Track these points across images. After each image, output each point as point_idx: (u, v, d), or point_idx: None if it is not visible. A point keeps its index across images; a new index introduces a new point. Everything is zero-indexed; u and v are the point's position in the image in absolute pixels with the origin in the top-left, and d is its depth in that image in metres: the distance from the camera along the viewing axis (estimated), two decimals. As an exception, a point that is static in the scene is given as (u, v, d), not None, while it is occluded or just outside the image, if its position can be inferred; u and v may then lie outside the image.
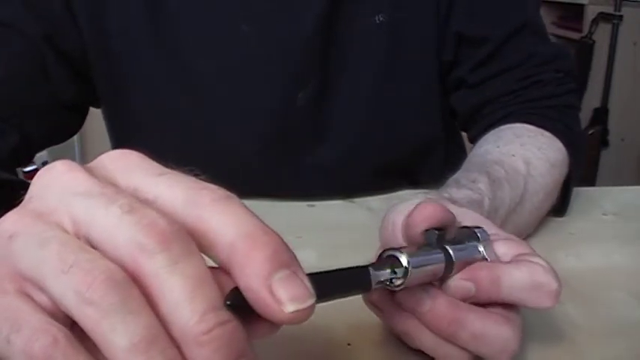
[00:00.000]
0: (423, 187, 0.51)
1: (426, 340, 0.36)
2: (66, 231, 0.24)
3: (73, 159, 0.26)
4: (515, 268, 0.35)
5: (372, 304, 0.37)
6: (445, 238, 0.35)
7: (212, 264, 0.24)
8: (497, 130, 0.63)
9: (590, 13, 2.39)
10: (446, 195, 0.45)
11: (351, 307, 0.34)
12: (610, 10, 2.36)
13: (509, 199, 0.50)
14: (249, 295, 0.23)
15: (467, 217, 0.39)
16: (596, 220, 0.61)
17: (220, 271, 0.24)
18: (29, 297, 0.24)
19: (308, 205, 0.63)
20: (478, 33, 0.68)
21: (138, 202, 0.24)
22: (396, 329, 0.37)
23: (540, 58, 0.68)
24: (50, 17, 0.66)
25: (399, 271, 0.32)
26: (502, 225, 0.48)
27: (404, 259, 0.32)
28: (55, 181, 0.26)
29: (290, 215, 0.60)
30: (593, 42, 2.38)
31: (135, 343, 0.22)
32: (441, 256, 0.34)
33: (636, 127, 2.41)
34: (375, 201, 0.63)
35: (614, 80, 2.40)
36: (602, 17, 2.37)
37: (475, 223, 0.38)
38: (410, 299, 0.35)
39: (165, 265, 0.22)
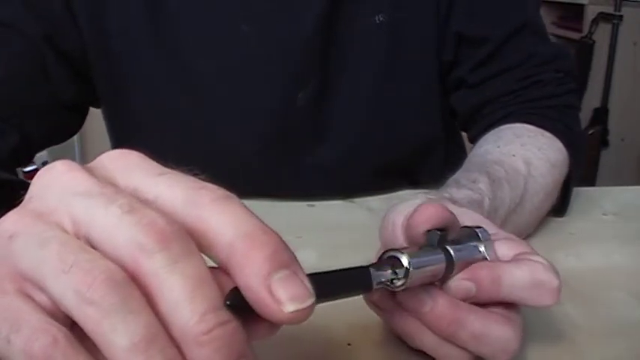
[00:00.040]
0: (423, 187, 0.51)
1: (426, 340, 0.36)
2: (66, 231, 0.24)
3: (73, 159, 0.26)
4: (516, 267, 0.35)
5: (373, 304, 0.37)
6: (447, 239, 0.35)
7: (212, 264, 0.24)
8: (497, 130, 0.63)
9: (590, 13, 2.39)
10: (446, 195, 0.45)
11: (351, 307, 0.34)
12: (610, 10, 2.36)
13: (509, 199, 0.50)
14: (248, 295, 0.23)
15: (467, 217, 0.39)
16: (596, 220, 0.61)
17: (220, 271, 0.24)
18: (29, 297, 0.24)
19: (308, 205, 0.63)
20: (478, 33, 0.68)
21: (138, 202, 0.24)
22: (396, 329, 0.37)
23: (540, 58, 0.68)
24: (50, 17, 0.66)
25: (400, 272, 0.32)
26: (502, 225, 0.48)
27: (405, 260, 0.32)
28: (55, 181, 0.26)
29: (290, 215, 0.60)
30: (593, 42, 2.38)
31: (135, 343, 0.22)
32: (442, 256, 0.34)
33: (636, 127, 2.41)
34: (375, 201, 0.63)
35: (614, 80, 2.40)
36: (602, 17, 2.37)
37: (475, 223, 0.38)
38: (410, 299, 0.35)
39: (165, 265, 0.23)
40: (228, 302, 0.23)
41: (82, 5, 0.66)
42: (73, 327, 0.23)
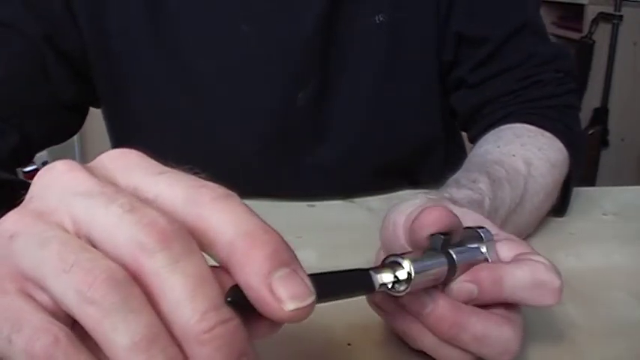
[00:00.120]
0: (423, 187, 0.51)
1: (427, 341, 0.36)
2: (66, 231, 0.24)
3: (73, 159, 0.26)
4: (517, 268, 0.35)
5: (375, 305, 0.37)
6: (450, 243, 0.35)
7: (213, 263, 0.24)
8: (497, 130, 0.63)
9: (590, 13, 2.39)
10: (446, 195, 0.45)
11: (352, 307, 0.34)
12: (610, 10, 2.36)
13: (509, 199, 0.50)
14: (249, 294, 0.23)
15: (467, 218, 0.39)
16: (596, 220, 0.61)
17: (221, 269, 0.24)
18: (30, 297, 0.24)
19: (308, 205, 0.63)
20: (478, 33, 0.68)
21: (138, 201, 0.24)
22: (397, 330, 0.37)
23: (540, 58, 0.68)
24: (50, 17, 0.66)
25: (402, 276, 0.32)
26: (502, 225, 0.48)
27: (407, 266, 0.32)
28: (56, 181, 0.26)
29: (290, 215, 0.60)
30: (593, 42, 2.38)
31: (136, 342, 0.22)
32: (444, 260, 0.34)
33: (636, 127, 2.41)
34: (375, 201, 0.63)
35: (614, 80, 2.40)
36: (602, 17, 2.37)
37: (475, 224, 0.38)
38: (412, 302, 0.35)
39: (165, 264, 0.23)
40: (229, 299, 0.23)
41: (82, 5, 0.66)
42: (74, 326, 0.23)
